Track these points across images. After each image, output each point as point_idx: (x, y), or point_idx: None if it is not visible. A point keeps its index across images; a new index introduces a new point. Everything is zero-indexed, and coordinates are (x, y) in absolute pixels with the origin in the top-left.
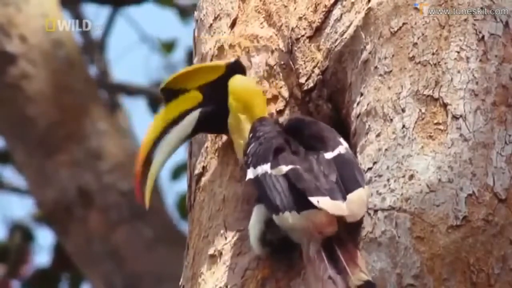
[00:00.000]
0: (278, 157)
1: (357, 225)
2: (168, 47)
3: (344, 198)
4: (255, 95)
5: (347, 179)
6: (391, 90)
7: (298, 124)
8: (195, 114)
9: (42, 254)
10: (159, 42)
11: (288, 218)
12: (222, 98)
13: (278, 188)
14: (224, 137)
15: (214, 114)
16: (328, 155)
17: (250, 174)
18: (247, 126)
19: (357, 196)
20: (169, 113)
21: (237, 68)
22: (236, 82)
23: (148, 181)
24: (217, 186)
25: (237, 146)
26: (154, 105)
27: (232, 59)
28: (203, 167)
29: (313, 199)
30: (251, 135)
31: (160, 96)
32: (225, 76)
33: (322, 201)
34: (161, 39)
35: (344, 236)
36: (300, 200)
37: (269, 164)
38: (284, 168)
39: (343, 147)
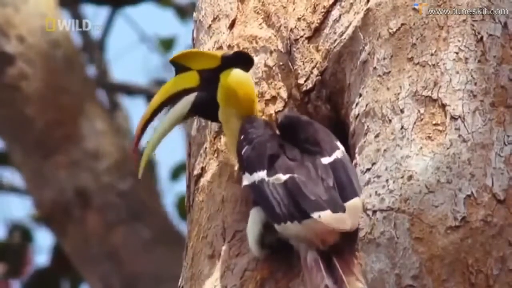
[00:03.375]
0: (275, 164)
1: (353, 231)
2: (167, 44)
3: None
4: (245, 91)
5: (343, 186)
6: (390, 91)
7: (293, 124)
8: (191, 97)
9: (41, 254)
10: (158, 39)
11: (291, 228)
12: (214, 89)
13: (277, 197)
14: (223, 138)
15: (208, 102)
16: (325, 160)
17: (246, 180)
18: (234, 122)
19: (353, 205)
20: (171, 87)
21: (235, 60)
22: (226, 76)
23: (143, 156)
24: (216, 187)
25: (227, 140)
26: None
27: (232, 51)
28: (202, 168)
29: (315, 215)
30: (242, 137)
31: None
32: (220, 68)
33: (323, 216)
34: (160, 37)
35: (340, 243)
36: (301, 210)
37: (265, 172)
38: (282, 177)
39: (340, 151)
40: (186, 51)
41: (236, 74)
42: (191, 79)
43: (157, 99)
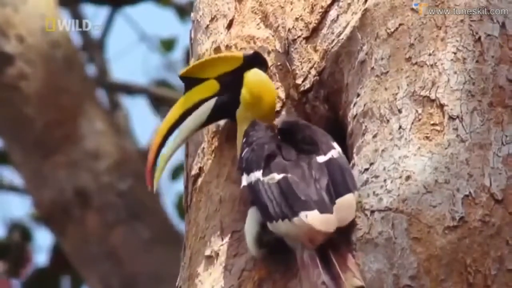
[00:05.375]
0: (270, 164)
1: (349, 227)
2: (168, 45)
3: (333, 203)
4: (267, 92)
5: (337, 183)
6: (388, 91)
7: (291, 127)
8: (211, 102)
9: (41, 254)
10: (159, 40)
11: (281, 226)
12: (237, 89)
13: (270, 196)
14: (221, 138)
15: (229, 104)
16: (320, 159)
17: (244, 181)
18: (247, 125)
19: (346, 201)
20: (187, 101)
21: (255, 60)
22: (251, 76)
23: (159, 164)
24: (214, 187)
25: (238, 140)
26: (155, 104)
27: (251, 51)
28: (200, 168)
29: (302, 214)
30: (244, 140)
31: (160, 94)
32: (242, 68)
33: (310, 216)
34: (161, 37)
35: (337, 239)
36: (291, 208)
37: (261, 171)
38: (277, 176)
39: (335, 151)
40: (200, 61)
41: (259, 73)
42: (209, 88)
43: (172, 116)
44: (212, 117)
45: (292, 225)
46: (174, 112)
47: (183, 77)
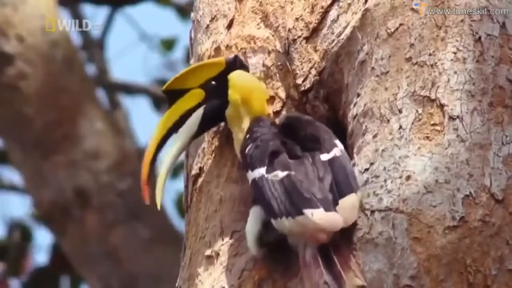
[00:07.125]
0: (274, 161)
1: (351, 227)
2: (168, 45)
3: (336, 204)
4: (255, 89)
5: (340, 183)
6: (388, 91)
7: (295, 123)
8: (199, 112)
9: (41, 253)
10: (159, 40)
11: (285, 224)
12: (224, 93)
13: (274, 193)
14: (221, 138)
15: (218, 108)
16: (324, 157)
17: (249, 177)
18: (245, 120)
19: (349, 201)
20: (172, 114)
21: (237, 63)
22: (236, 75)
23: (158, 184)
24: (214, 187)
25: (235, 139)
26: (157, 104)
27: (231, 55)
28: (200, 168)
29: (308, 212)
30: (247, 135)
31: (161, 94)
32: (225, 71)
33: (316, 214)
34: (162, 37)
35: (338, 239)
36: (295, 206)
37: (265, 168)
38: (280, 174)
39: (338, 149)
40: (180, 73)
41: (244, 73)
42: (194, 96)
43: (159, 131)
44: (203, 125)
45: (295, 222)
46: (161, 126)
47: (166, 92)
